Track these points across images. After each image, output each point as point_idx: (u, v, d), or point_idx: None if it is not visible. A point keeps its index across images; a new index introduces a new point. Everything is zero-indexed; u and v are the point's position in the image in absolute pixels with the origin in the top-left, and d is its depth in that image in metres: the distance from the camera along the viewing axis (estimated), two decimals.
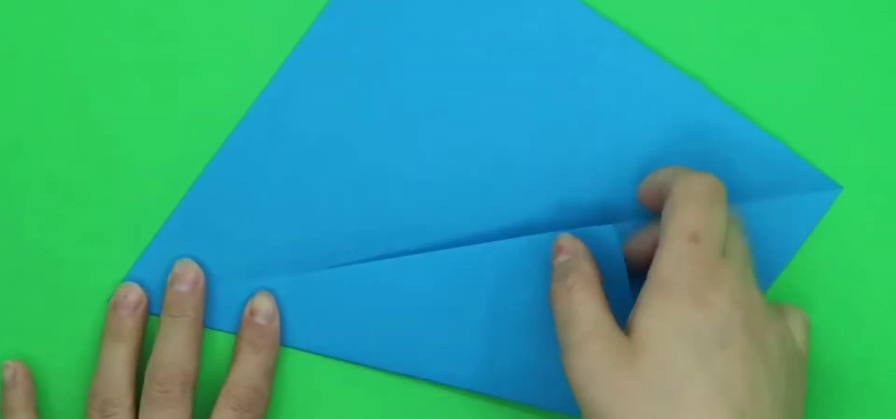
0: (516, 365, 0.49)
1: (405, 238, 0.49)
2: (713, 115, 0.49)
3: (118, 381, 0.48)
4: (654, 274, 0.43)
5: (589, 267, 0.45)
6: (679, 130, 0.49)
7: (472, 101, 0.49)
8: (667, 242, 0.43)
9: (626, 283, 0.47)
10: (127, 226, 0.49)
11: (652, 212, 0.48)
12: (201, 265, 0.49)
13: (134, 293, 0.49)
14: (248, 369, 0.48)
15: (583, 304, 0.44)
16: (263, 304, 0.49)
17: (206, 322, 0.50)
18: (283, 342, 0.50)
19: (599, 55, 0.49)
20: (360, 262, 0.49)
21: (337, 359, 0.50)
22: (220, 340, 0.50)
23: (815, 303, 0.50)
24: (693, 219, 0.43)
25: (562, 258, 0.46)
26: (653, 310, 0.42)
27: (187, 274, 0.49)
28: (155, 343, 0.48)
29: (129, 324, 0.49)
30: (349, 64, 0.49)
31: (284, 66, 0.49)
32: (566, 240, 0.47)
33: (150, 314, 0.50)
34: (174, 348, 0.48)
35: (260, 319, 0.49)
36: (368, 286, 0.49)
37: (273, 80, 0.49)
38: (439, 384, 0.50)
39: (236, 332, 0.50)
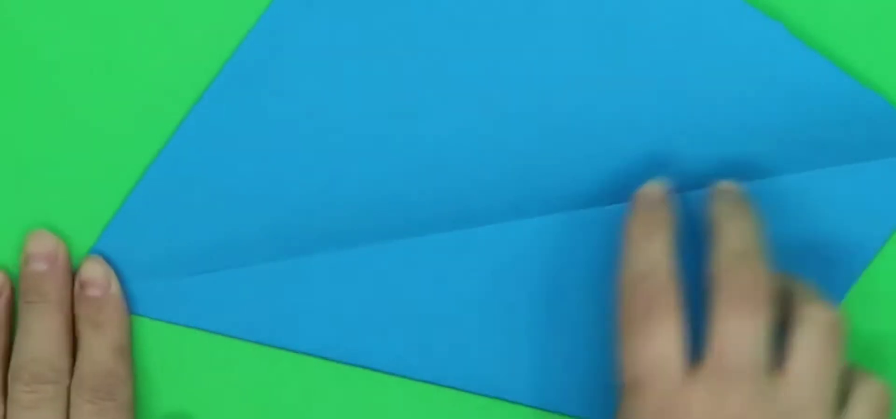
0: (534, 364, 0.47)
1: (404, 221, 0.46)
2: (796, 62, 0.46)
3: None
4: None
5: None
6: (756, 77, 0.46)
7: (485, 65, 0.46)
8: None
9: None
10: (89, 200, 0.46)
11: None
12: (168, 247, 0.46)
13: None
14: (95, 355, 0.45)
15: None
16: (93, 272, 0.45)
17: (176, 317, 0.46)
18: (265, 340, 0.47)
19: None
20: (353, 248, 0.46)
21: (329, 360, 0.47)
22: (205, 340, 0.47)
23: None
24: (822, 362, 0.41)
25: None
26: None
27: (43, 246, 0.45)
28: (16, 336, 0.45)
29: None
30: (332, 25, 0.46)
31: (255, 30, 0.46)
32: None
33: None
34: (36, 341, 0.45)
35: (93, 291, 0.45)
36: (360, 274, 0.46)
37: (247, 38, 0.46)
38: (439, 386, 0.47)
39: (218, 331, 0.47)
